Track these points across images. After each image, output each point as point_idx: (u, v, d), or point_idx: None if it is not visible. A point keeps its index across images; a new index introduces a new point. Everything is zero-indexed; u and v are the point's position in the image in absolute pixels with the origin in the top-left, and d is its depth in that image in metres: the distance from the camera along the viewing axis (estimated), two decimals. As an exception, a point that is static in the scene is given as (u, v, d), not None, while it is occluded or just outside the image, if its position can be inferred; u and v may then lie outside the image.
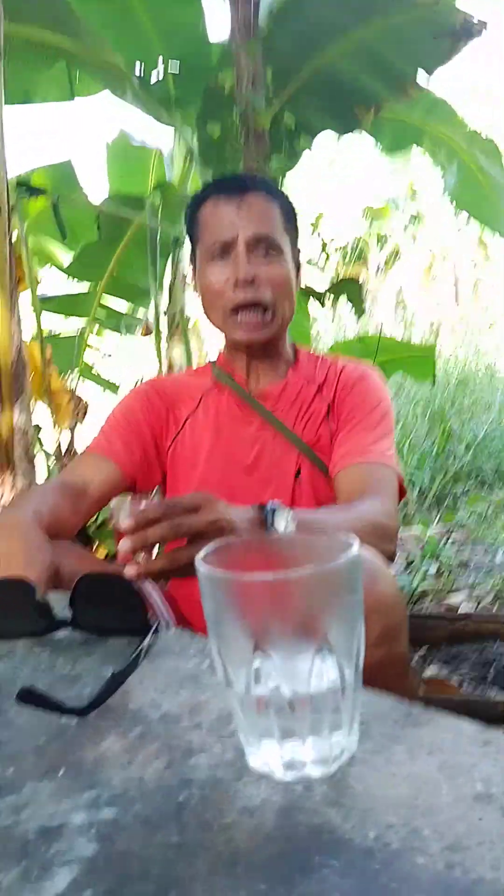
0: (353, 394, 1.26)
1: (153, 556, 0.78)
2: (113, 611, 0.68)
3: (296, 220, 1.29)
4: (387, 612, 0.85)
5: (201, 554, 0.46)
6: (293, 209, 1.28)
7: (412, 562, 2.99)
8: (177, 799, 0.43)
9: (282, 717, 0.43)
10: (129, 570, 0.73)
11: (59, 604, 0.71)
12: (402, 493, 1.20)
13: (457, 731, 0.48)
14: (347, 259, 10.19)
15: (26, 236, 2.62)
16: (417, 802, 0.41)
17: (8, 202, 2.11)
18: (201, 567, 0.44)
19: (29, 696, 0.51)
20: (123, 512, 0.77)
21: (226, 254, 1.19)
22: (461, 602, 2.52)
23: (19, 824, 0.42)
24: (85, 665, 0.64)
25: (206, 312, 1.27)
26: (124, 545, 0.73)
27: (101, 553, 2.41)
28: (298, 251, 1.28)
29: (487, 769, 0.43)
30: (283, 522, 0.85)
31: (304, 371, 1.31)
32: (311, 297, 2.58)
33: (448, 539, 3.22)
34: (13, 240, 2.10)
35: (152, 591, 0.72)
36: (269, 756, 0.44)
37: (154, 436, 1.28)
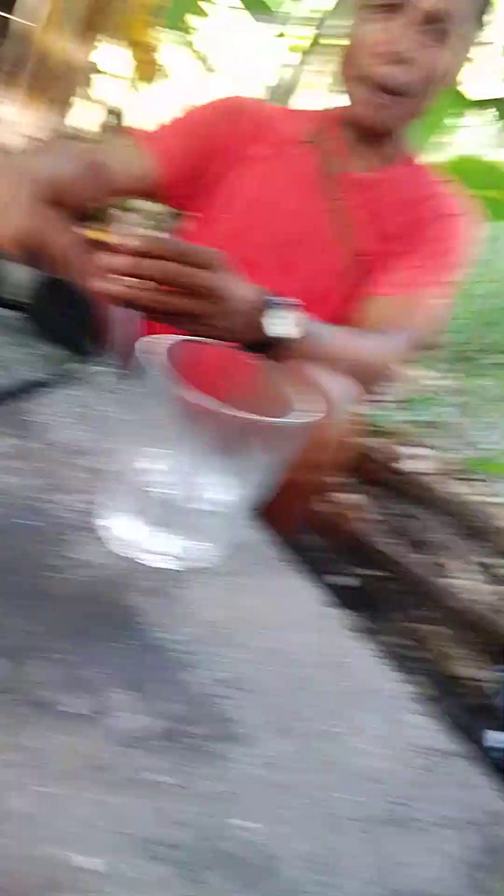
0: (435, 227, 1.15)
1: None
2: (62, 320, 0.66)
3: (490, 7, 1.07)
4: (326, 448, 0.86)
5: (152, 340, 0.45)
6: None
7: (408, 399, 2.99)
8: (37, 523, 0.46)
9: (149, 503, 0.45)
10: (102, 284, 0.64)
11: (25, 283, 0.69)
12: (425, 344, 1.16)
13: (305, 589, 0.51)
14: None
15: None
16: (228, 629, 0.44)
17: None
18: (141, 353, 0.43)
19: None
20: (131, 228, 0.69)
21: (393, 14, 1.00)
22: (416, 458, 2.59)
23: None
24: (21, 356, 0.65)
25: (341, 63, 1.11)
26: (110, 259, 0.64)
27: (99, 234, 2.30)
28: (475, 41, 1.08)
29: (303, 633, 0.47)
30: (283, 323, 0.80)
31: (402, 177, 1.18)
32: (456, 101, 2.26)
33: (454, 398, 3.22)
34: None
35: (119, 318, 0.66)
36: (120, 528, 0.47)
37: (214, 157, 1.16)
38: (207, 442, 0.43)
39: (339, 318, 1.15)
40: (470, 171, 2.58)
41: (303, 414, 0.44)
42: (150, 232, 0.68)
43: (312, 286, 1.16)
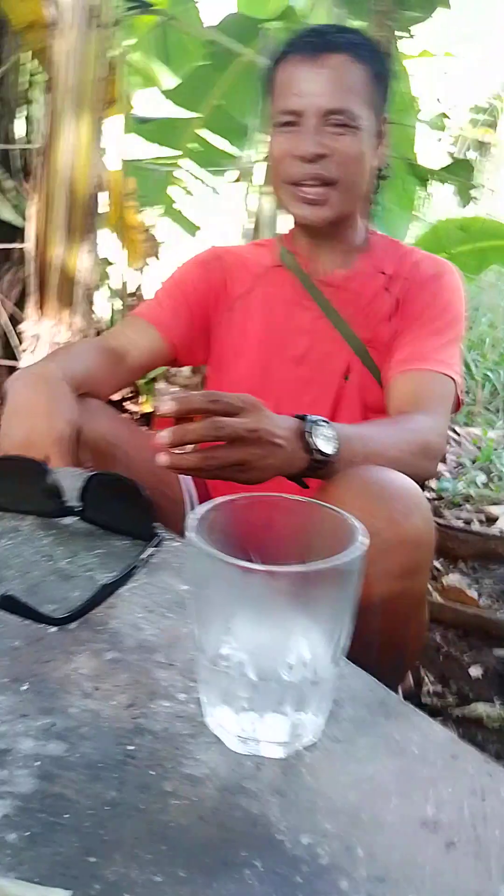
0: (425, 292, 1.16)
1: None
2: (121, 511, 0.67)
3: (387, 83, 1.12)
4: (414, 548, 0.82)
5: (198, 512, 0.43)
6: (386, 70, 1.12)
7: (463, 464, 2.93)
8: (126, 747, 0.43)
9: (243, 689, 0.42)
10: (161, 459, 0.70)
11: (72, 487, 0.70)
12: (458, 404, 1.13)
13: (427, 735, 0.46)
14: (476, 123, 9.14)
15: (128, 55, 2.42)
16: (362, 814, 0.39)
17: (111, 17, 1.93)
18: (190, 531, 0.42)
19: (10, 604, 0.50)
20: (166, 396, 0.74)
21: (295, 123, 1.07)
22: (500, 515, 2.48)
23: (-32, 741, 0.42)
24: (82, 563, 0.64)
25: (269, 178, 1.17)
26: (162, 437, 0.69)
27: (147, 406, 2.41)
28: (385, 120, 1.13)
29: (444, 792, 0.41)
30: (324, 440, 0.81)
31: (375, 260, 1.20)
32: (418, 174, 2.33)
33: (507, 446, 3.13)
34: (111, 57, 1.93)
35: (187, 486, 0.69)
36: (224, 723, 0.43)
37: (206, 309, 1.22)
38: (270, 604, 0.40)
39: (368, 413, 1.14)
40: (447, 232, 2.63)
41: (358, 542, 0.41)
42: (178, 395, 0.71)
43: (334, 391, 1.16)
